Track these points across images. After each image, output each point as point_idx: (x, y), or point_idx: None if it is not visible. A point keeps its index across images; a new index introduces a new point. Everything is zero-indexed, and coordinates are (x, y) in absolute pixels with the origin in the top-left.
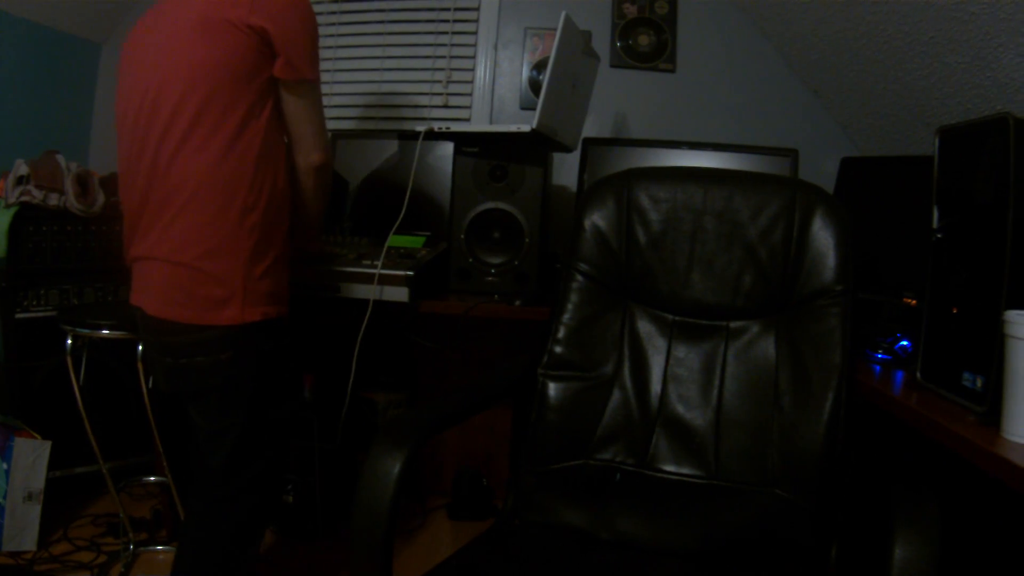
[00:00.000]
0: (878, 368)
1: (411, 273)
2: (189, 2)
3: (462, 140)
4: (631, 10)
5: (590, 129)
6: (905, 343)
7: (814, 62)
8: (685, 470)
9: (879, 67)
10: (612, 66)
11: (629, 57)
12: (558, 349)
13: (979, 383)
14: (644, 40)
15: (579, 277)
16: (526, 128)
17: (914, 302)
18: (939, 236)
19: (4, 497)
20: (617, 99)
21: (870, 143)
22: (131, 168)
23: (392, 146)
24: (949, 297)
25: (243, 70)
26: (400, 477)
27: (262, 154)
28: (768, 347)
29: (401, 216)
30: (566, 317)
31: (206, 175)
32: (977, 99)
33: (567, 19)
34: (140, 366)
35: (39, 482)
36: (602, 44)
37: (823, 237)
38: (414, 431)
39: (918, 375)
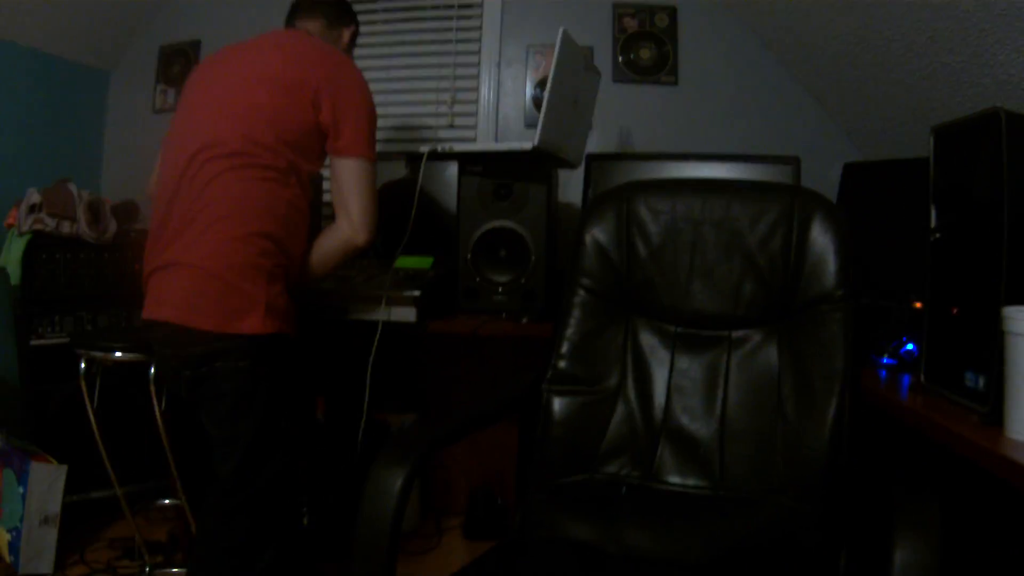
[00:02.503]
0: (884, 373)
1: (418, 294)
2: (266, 56)
3: (466, 160)
4: (631, 24)
5: (595, 145)
6: (911, 347)
7: (815, 69)
8: (690, 481)
9: (879, 70)
10: (615, 81)
11: (631, 71)
12: (562, 364)
13: (981, 382)
14: (645, 54)
15: (581, 292)
16: (528, 146)
17: (921, 305)
18: (937, 236)
19: (21, 521)
20: (621, 114)
21: (875, 147)
22: (170, 179)
23: (399, 168)
24: (949, 297)
25: (296, 128)
26: (402, 492)
27: (292, 201)
28: (771, 355)
29: (406, 237)
30: (569, 332)
31: (241, 200)
32: (977, 98)
33: (565, 35)
34: (153, 389)
35: (55, 506)
36: (604, 59)
37: (822, 243)
38: (416, 447)
39: (922, 378)
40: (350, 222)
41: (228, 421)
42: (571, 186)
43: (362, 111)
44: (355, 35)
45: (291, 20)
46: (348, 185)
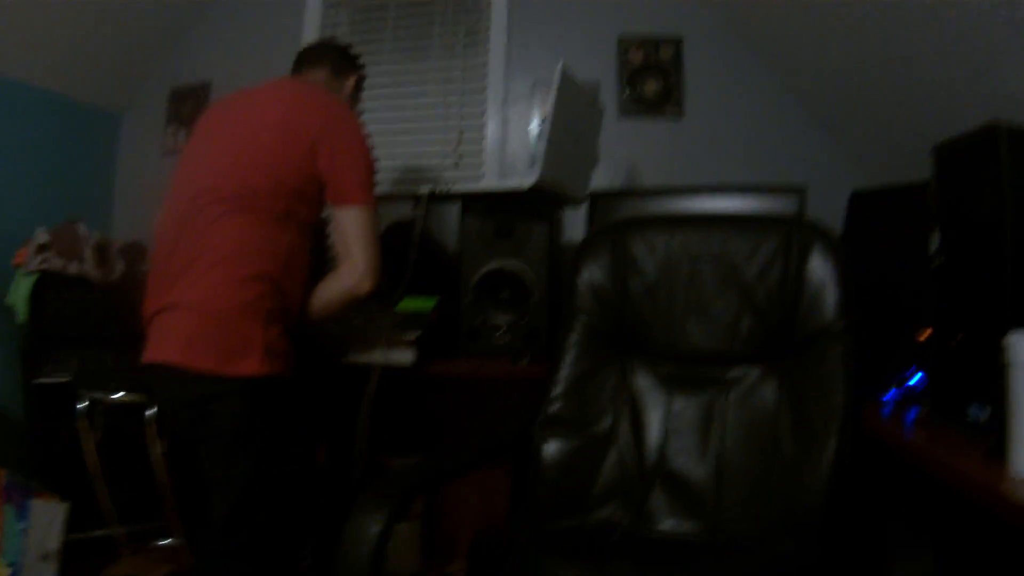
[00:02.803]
0: (890, 406)
1: (416, 336)
2: (268, 104)
3: (466, 199)
4: (637, 57)
5: (602, 180)
6: (919, 378)
7: (822, 95)
8: (685, 527)
9: (885, 93)
10: (620, 115)
11: (637, 105)
12: (554, 406)
13: (985, 414)
14: (651, 87)
15: (576, 332)
16: (526, 184)
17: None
18: (941, 260)
19: (20, 556)
20: (628, 149)
21: (884, 173)
22: (173, 221)
23: (404, 209)
24: (954, 325)
25: (295, 174)
26: (382, 536)
27: (291, 244)
28: (769, 393)
29: (407, 278)
30: (563, 373)
31: (240, 242)
32: (984, 116)
33: (563, 71)
34: (151, 431)
35: (55, 543)
36: (609, 93)
37: (821, 274)
38: (397, 491)
39: (926, 410)
40: (354, 270)
41: (225, 462)
42: (576, 224)
43: (360, 159)
44: (360, 82)
45: (296, 69)
46: (351, 234)
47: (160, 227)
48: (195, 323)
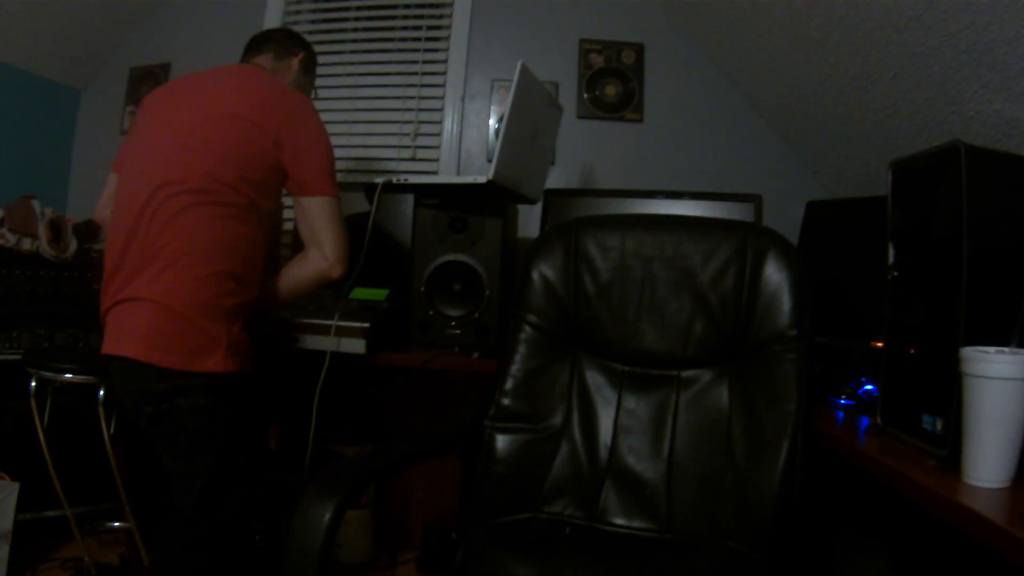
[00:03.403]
0: (842, 414)
1: (368, 325)
2: (226, 94)
3: (421, 192)
4: (598, 60)
5: (558, 181)
6: (870, 387)
7: (782, 107)
8: (636, 523)
9: (845, 109)
10: (579, 117)
11: (596, 108)
12: (505, 401)
13: (939, 425)
14: (611, 90)
15: (527, 328)
16: (482, 179)
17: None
18: (895, 274)
19: None
20: (585, 150)
21: (841, 186)
22: (129, 213)
23: (359, 200)
24: (907, 337)
25: (258, 166)
26: (330, 526)
27: (253, 239)
28: (721, 396)
29: (358, 267)
30: (514, 368)
31: (204, 237)
32: (944, 135)
33: (523, 69)
34: (102, 412)
35: (7, 523)
36: (569, 95)
37: (776, 281)
38: (345, 481)
39: (878, 420)
40: (324, 257)
41: (187, 456)
42: (532, 222)
43: (322, 149)
44: (306, 60)
45: (244, 57)
46: (318, 222)
47: (114, 217)
48: (157, 318)
